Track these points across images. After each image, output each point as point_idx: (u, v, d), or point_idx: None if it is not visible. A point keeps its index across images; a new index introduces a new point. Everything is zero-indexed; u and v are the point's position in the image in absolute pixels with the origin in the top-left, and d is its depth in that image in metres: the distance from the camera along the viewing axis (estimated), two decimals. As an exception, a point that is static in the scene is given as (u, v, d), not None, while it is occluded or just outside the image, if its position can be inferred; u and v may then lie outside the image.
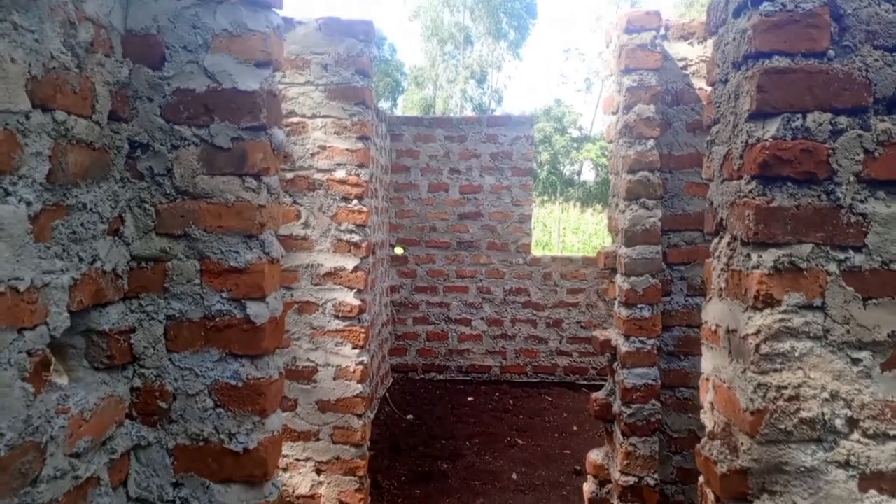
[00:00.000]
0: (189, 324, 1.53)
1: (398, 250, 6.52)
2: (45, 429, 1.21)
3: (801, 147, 1.46)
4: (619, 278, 3.00)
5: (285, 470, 3.20)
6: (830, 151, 1.46)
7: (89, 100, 1.34)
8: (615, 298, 3.08)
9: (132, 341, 1.52)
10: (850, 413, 1.48)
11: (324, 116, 3.01)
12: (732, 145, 1.62)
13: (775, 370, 1.50)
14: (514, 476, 4.40)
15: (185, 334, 1.54)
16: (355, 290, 3.11)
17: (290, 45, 3.01)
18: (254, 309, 1.54)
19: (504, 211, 6.30)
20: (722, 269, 1.70)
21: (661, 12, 2.85)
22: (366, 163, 3.06)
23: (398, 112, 32.97)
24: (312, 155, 3.02)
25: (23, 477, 1.16)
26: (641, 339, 2.88)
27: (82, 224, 1.32)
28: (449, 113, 32.26)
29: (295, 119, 3.02)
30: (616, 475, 3.00)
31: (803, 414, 1.48)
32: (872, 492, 1.46)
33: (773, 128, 1.47)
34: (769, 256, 1.48)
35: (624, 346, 2.91)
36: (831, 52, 1.46)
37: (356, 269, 3.10)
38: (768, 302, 1.49)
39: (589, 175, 34.25)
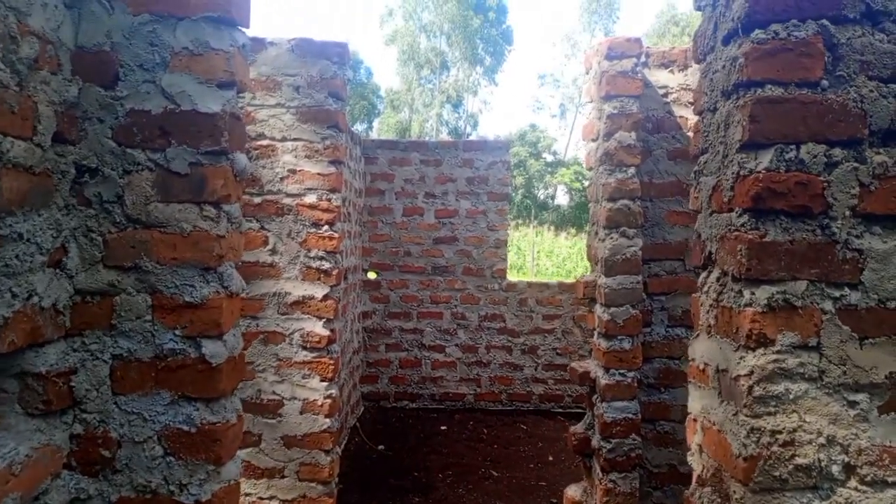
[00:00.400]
0: (138, 364, 1.40)
1: (371, 275, 6.39)
2: (-37, 489, 1.07)
3: (795, 180, 1.39)
4: (598, 308, 2.91)
5: (248, 509, 3.03)
6: (825, 184, 1.39)
7: (30, 120, 1.22)
8: (594, 329, 2.99)
9: (73, 384, 1.38)
10: (846, 459, 1.40)
11: (295, 139, 2.91)
12: (722, 176, 1.55)
13: (769, 413, 1.41)
14: (489, 510, 4.25)
15: (133, 375, 1.40)
16: (324, 320, 2.98)
17: (261, 66, 2.91)
18: (210, 348, 1.41)
19: (480, 236, 6.22)
20: (711, 305, 1.62)
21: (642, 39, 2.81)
22: (338, 188, 2.96)
23: (374, 135, 32.98)
24: (282, 179, 2.90)
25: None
26: (622, 371, 2.79)
27: (17, 256, 1.19)
28: (425, 137, 32.36)
29: (264, 142, 2.91)
30: (595, 514, 2.88)
31: (799, 460, 1.40)
32: (872, 545, 1.37)
33: (766, 159, 1.40)
34: (762, 294, 1.40)
35: (604, 379, 2.82)
36: (825, 83, 1.40)
37: (326, 297, 2.97)
38: (761, 341, 1.41)
39: (563, 199, 34.57)
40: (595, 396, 2.94)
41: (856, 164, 1.39)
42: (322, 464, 3.00)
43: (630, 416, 2.78)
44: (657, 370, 2.96)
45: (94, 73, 1.38)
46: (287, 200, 2.89)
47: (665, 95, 2.89)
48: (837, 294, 1.41)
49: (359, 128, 31.72)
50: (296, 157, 2.89)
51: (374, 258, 6.29)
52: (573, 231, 26.14)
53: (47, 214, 1.29)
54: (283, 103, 2.89)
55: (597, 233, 2.96)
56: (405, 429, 5.85)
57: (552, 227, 26.10)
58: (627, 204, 2.75)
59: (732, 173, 1.49)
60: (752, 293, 1.41)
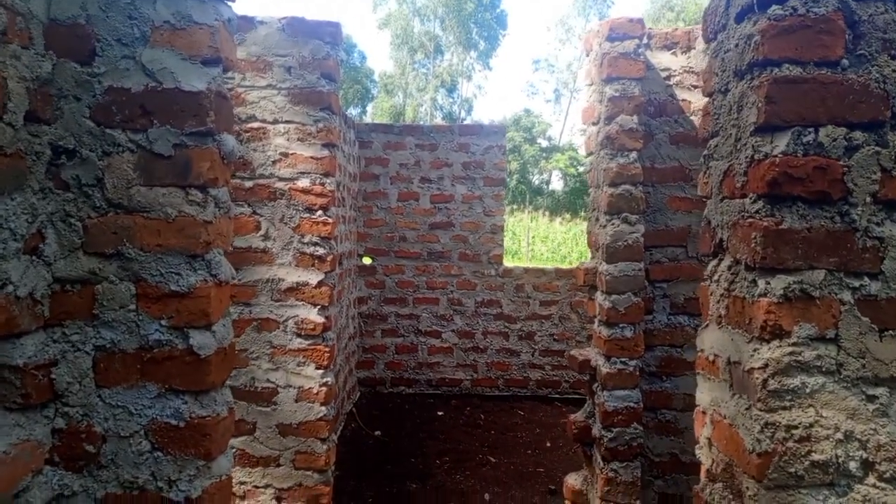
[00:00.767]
0: (122, 356, 1.33)
1: (366, 260, 6.32)
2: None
3: (814, 164, 1.32)
4: (599, 296, 2.85)
5: (242, 498, 2.98)
6: (845, 169, 1.32)
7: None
8: (595, 316, 2.93)
9: (53, 376, 1.31)
10: (865, 455, 1.35)
11: (286, 122, 2.81)
12: (735, 161, 1.48)
13: (784, 408, 1.35)
14: (487, 497, 4.22)
15: (117, 367, 1.33)
16: (319, 307, 2.91)
17: (251, 46, 2.81)
18: (198, 339, 1.34)
19: (476, 221, 6.14)
20: (722, 295, 1.55)
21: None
22: (332, 171, 2.87)
23: (367, 119, 32.74)
24: (274, 162, 2.82)
25: None
26: (623, 359, 2.73)
27: (-12, 243, 1.12)
28: (419, 121, 32.15)
29: (255, 124, 2.82)
30: (596, 502, 2.84)
31: (815, 456, 1.34)
32: (891, 543, 1.32)
33: (782, 142, 1.33)
34: (778, 283, 1.34)
35: (605, 368, 2.76)
36: (845, 62, 1.33)
37: (320, 283, 2.90)
38: (777, 333, 1.35)
39: (557, 184, 34.48)
40: (596, 385, 2.89)
41: (877, 148, 1.32)
42: (318, 452, 2.94)
43: (632, 404, 2.73)
44: (659, 358, 2.91)
45: (68, 47, 1.29)
46: (279, 184, 2.81)
47: (667, 78, 2.81)
48: (857, 284, 1.34)
49: (352, 112, 31.47)
50: (288, 139, 2.80)
51: (369, 243, 6.21)
52: (568, 216, 26.10)
53: (21, 198, 1.21)
54: (274, 84, 2.80)
55: (597, 219, 2.89)
56: (402, 414, 5.81)
57: (547, 213, 26.03)
58: (629, 189, 2.68)
59: (746, 157, 1.41)
60: (768, 283, 1.35)
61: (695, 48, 2.75)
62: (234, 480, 2.87)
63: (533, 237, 20.45)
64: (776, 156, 1.33)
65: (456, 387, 6.31)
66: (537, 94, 52.45)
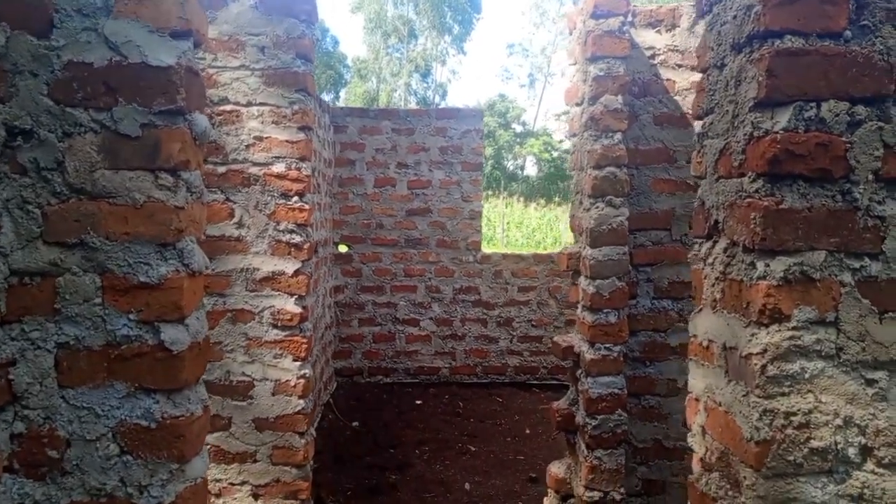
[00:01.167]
0: (87, 353, 1.24)
1: (342, 248, 6.21)
2: None
3: (816, 140, 1.27)
4: (583, 281, 2.80)
5: (218, 496, 2.89)
6: (848, 146, 1.28)
7: (-55, 71, 1.03)
8: (578, 301, 2.89)
9: (11, 377, 1.21)
10: (863, 441, 1.31)
11: (260, 104, 2.70)
12: (732, 138, 1.43)
13: (783, 394, 1.31)
14: (467, 486, 4.18)
15: (81, 366, 1.24)
16: (296, 297, 2.81)
17: (222, 25, 2.69)
18: (170, 333, 1.26)
19: (454, 207, 6.07)
20: (717, 279, 1.50)
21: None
22: (307, 156, 2.77)
23: (341, 105, 32.36)
24: (248, 147, 2.71)
25: None
26: (607, 345, 2.70)
27: (-66, 232, 1.02)
28: (393, 106, 31.83)
29: (228, 107, 2.70)
30: (580, 490, 2.81)
31: (814, 443, 1.30)
32: (889, 529, 1.29)
33: (783, 118, 1.28)
34: (778, 265, 1.29)
35: (589, 354, 2.72)
36: (848, 33, 1.28)
37: (297, 272, 2.80)
38: (776, 317, 1.30)
39: (532, 170, 34.52)
40: (579, 371, 2.85)
41: (880, 124, 1.28)
42: (296, 447, 2.86)
43: (616, 391, 2.70)
44: (642, 343, 2.88)
45: (23, 17, 1.19)
46: (253, 170, 2.70)
47: (652, 57, 2.75)
48: (857, 265, 1.30)
49: (326, 98, 31.06)
50: (262, 123, 2.69)
51: (345, 231, 6.11)
52: (542, 202, 26.13)
53: (-28, 183, 1.11)
54: (247, 65, 2.68)
55: (581, 202, 2.84)
56: (379, 404, 5.75)
57: (521, 198, 26.03)
58: (614, 171, 2.62)
59: (744, 134, 1.36)
60: (767, 265, 1.30)
61: (679, 26, 2.70)
62: (209, 478, 2.78)
63: (508, 223, 20.45)
64: (777, 132, 1.27)
65: (434, 375, 6.26)
66: (512, 79, 52.41)
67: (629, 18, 2.65)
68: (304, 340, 2.83)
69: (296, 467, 2.88)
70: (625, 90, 2.61)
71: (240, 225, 2.73)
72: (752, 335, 1.34)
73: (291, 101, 2.70)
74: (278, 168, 2.72)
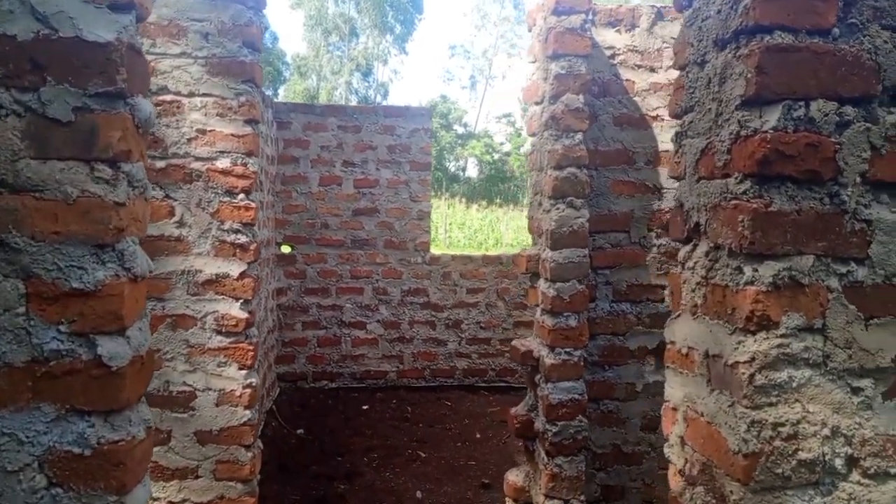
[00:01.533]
0: (8, 371, 1.07)
1: (285, 249, 6.00)
2: None
3: (805, 141, 1.22)
4: (543, 284, 2.74)
5: (157, 514, 2.69)
6: (837, 147, 1.23)
7: None
8: (537, 305, 2.82)
9: (-84, 401, 1.03)
10: (850, 451, 1.28)
11: (204, 95, 2.52)
12: (715, 137, 1.37)
13: (770, 404, 1.26)
14: (419, 494, 4.07)
15: (2, 386, 1.07)
16: (241, 301, 2.64)
17: (162, 9, 2.50)
18: (108, 347, 1.10)
19: (402, 207, 5.94)
20: (698, 283, 1.45)
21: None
22: (254, 151, 2.61)
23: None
24: (189, 140, 2.52)
25: None
26: (568, 350, 2.64)
27: None
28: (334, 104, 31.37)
29: (168, 97, 2.51)
30: (539, 498, 2.74)
31: (802, 455, 1.26)
32: (872, 540, 1.26)
33: (772, 117, 1.23)
34: (767, 270, 1.24)
35: (549, 359, 2.66)
36: (836, 31, 1.24)
37: (243, 275, 2.63)
38: (764, 324, 1.25)
39: (473, 172, 34.66)
40: (538, 377, 2.78)
41: (868, 125, 1.24)
42: (242, 460, 2.69)
43: (577, 396, 2.64)
44: (601, 347, 2.84)
45: (-69, -20, 1.02)
46: (196, 165, 2.51)
47: (612, 57, 2.71)
48: (844, 270, 1.27)
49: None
50: (206, 115, 2.51)
51: (288, 231, 5.90)
52: (484, 203, 26.28)
53: None
54: (189, 52, 2.49)
55: (541, 203, 2.77)
56: (325, 410, 5.57)
57: (463, 200, 26.09)
58: (574, 172, 2.57)
59: (730, 133, 1.31)
60: (755, 270, 1.25)
61: (639, 26, 2.67)
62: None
63: (450, 224, 20.44)
64: (767, 131, 1.22)
65: (381, 379, 6.12)
66: (453, 81, 52.28)
67: (590, 16, 2.60)
68: (251, 347, 2.66)
69: (241, 482, 2.71)
70: (586, 89, 2.55)
71: (181, 224, 2.55)
72: (739, 343, 1.28)
73: (237, 92, 2.53)
74: (223, 163, 2.55)
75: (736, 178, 1.28)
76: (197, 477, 2.67)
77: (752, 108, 1.25)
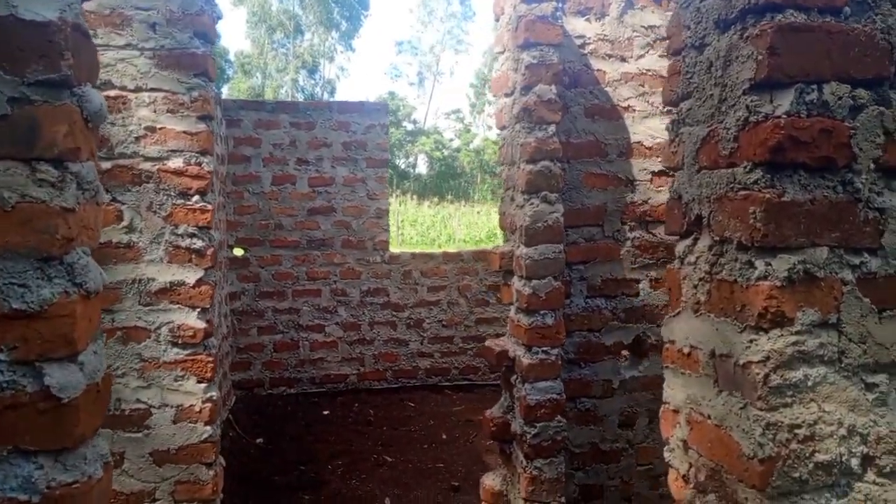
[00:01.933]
0: (-61, 409, 0.91)
1: (238, 252, 5.77)
2: None
3: (820, 126, 1.15)
4: (517, 282, 2.65)
5: (111, 542, 2.49)
6: (852, 132, 1.17)
7: None
8: (512, 303, 2.73)
9: None
10: (865, 450, 1.22)
11: (152, 90, 2.33)
12: (718, 124, 1.30)
13: (786, 405, 1.19)
14: (388, 501, 3.95)
15: (-69, 427, 0.91)
16: (199, 310, 2.46)
17: (102, -4, 2.30)
18: (57, 375, 0.95)
19: (359, 205, 5.78)
20: (702, 279, 1.37)
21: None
22: (209, 149, 2.43)
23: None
24: (138, 139, 2.33)
25: None
26: (545, 349, 2.55)
27: None
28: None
29: (112, 92, 2.31)
30: (519, 503, 2.66)
31: (819, 457, 1.19)
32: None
33: (785, 101, 1.15)
34: (781, 264, 1.17)
35: (525, 358, 2.57)
36: (847, 10, 1.17)
37: (200, 282, 2.45)
38: (778, 321, 1.18)
39: (423, 168, 34.56)
40: (514, 377, 2.69)
41: (881, 108, 1.19)
42: (204, 479, 2.52)
43: (555, 396, 2.56)
44: (577, 344, 2.77)
45: None
46: (145, 165, 2.32)
47: (582, 46, 2.64)
48: (857, 261, 1.21)
49: (207, 93, 29.47)
50: (155, 111, 2.32)
51: (240, 233, 5.67)
52: (435, 200, 26.23)
53: None
54: (134, 44, 2.30)
55: (513, 198, 2.68)
56: (285, 417, 5.38)
57: (414, 196, 25.97)
58: (548, 166, 2.48)
59: (737, 120, 1.23)
60: (768, 264, 1.18)
61: (609, 15, 2.60)
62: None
63: (402, 221, 20.29)
64: (780, 117, 1.15)
65: (342, 382, 5.96)
66: (401, 77, 52.06)
67: (560, 4, 2.51)
68: (210, 359, 2.49)
69: (203, 503, 2.53)
70: (558, 80, 2.47)
71: (130, 229, 2.35)
72: (751, 341, 1.21)
73: (189, 86, 2.35)
74: (175, 163, 2.36)
75: (745, 168, 1.21)
76: (154, 500, 2.49)
77: (762, 93, 1.18)
